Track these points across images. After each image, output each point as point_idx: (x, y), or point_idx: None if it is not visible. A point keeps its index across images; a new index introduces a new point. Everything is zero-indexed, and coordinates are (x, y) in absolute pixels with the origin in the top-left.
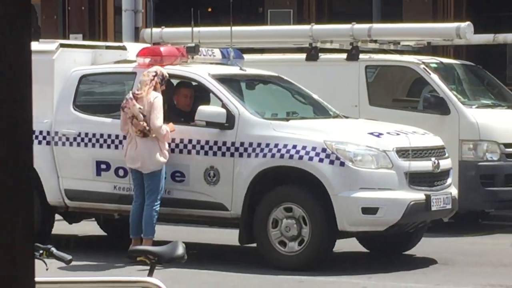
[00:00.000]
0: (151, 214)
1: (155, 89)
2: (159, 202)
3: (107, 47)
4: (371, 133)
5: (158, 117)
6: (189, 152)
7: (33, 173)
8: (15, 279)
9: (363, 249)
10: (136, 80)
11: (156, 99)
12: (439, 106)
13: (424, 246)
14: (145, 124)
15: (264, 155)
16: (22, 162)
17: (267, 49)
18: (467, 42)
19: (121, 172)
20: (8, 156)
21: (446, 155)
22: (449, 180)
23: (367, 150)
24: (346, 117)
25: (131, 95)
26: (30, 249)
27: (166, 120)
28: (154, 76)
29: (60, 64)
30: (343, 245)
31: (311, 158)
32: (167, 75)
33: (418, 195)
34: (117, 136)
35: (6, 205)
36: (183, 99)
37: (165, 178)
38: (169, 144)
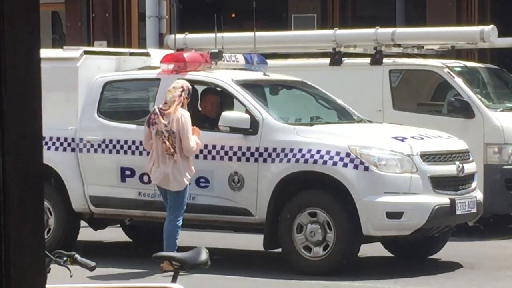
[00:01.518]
0: (173, 229)
1: (182, 105)
2: (181, 217)
3: (131, 54)
4: (395, 138)
5: (190, 137)
6: (213, 157)
7: (58, 180)
8: None
9: (388, 254)
10: (161, 87)
11: (185, 117)
12: (464, 109)
13: (449, 250)
14: (170, 144)
15: (289, 160)
16: (32, 173)
17: (290, 54)
18: (491, 45)
19: (145, 178)
20: (17, 164)
21: (471, 159)
22: (474, 184)
23: (391, 154)
24: (370, 122)
25: (157, 110)
26: (42, 262)
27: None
28: (182, 91)
29: (84, 71)
30: (368, 250)
31: (335, 163)
32: (191, 88)
33: (443, 199)
34: (141, 143)
35: (16, 217)
36: (209, 106)
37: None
38: None
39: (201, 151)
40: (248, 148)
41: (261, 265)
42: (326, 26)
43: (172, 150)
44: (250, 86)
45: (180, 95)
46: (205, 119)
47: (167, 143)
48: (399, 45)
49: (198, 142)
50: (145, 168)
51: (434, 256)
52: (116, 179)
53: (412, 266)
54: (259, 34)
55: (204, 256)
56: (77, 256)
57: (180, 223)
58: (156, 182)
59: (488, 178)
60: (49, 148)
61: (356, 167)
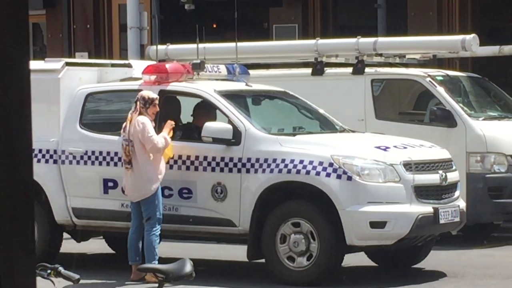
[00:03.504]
0: (151, 240)
1: (140, 114)
2: (158, 226)
3: (113, 65)
4: (378, 147)
5: (150, 137)
6: (196, 168)
7: (41, 192)
8: None
9: (372, 263)
10: None
11: (141, 121)
12: (446, 118)
13: (433, 259)
14: (126, 155)
15: (271, 171)
16: (21, 184)
17: (272, 64)
18: (473, 54)
19: None
20: (6, 177)
21: (454, 167)
22: (457, 193)
23: (374, 164)
24: (353, 131)
25: (124, 124)
26: (32, 272)
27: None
28: (136, 101)
29: (66, 83)
30: (351, 260)
31: (318, 173)
32: (151, 96)
33: (426, 208)
34: None
35: (6, 228)
36: (205, 119)
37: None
38: (175, 161)
39: (183, 162)
40: (231, 159)
41: (245, 275)
42: (308, 36)
43: (127, 160)
44: (232, 96)
45: (135, 106)
46: (199, 132)
47: (124, 154)
48: (380, 55)
49: (167, 138)
50: None
51: (418, 265)
52: (99, 191)
53: (396, 276)
54: (241, 44)
55: (188, 267)
56: (61, 269)
57: (158, 232)
58: (125, 192)
59: (471, 186)
60: None
61: (339, 176)
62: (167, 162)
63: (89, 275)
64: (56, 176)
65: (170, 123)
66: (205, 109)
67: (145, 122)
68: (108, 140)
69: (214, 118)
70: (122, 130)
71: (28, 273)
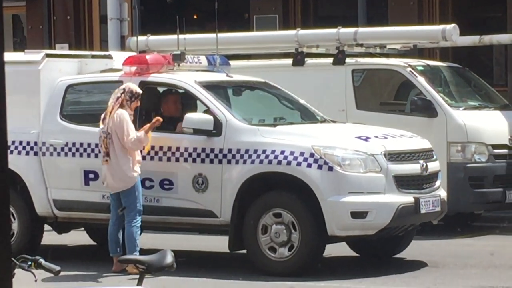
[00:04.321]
0: (131, 231)
1: (122, 106)
2: (138, 217)
3: (93, 56)
4: (359, 137)
5: (127, 134)
6: (177, 160)
7: (21, 184)
8: None
9: (353, 254)
10: None
11: (121, 116)
12: (427, 108)
13: (414, 249)
14: (104, 147)
15: (252, 161)
16: None
17: (253, 55)
18: (453, 44)
19: None
20: None
21: (435, 157)
22: (437, 183)
23: (355, 154)
24: (334, 122)
25: (103, 115)
26: (8, 267)
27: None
28: (122, 93)
29: (46, 74)
30: (333, 250)
31: (299, 164)
32: (138, 91)
33: (407, 198)
34: None
35: None
36: (172, 105)
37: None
38: (156, 152)
39: (164, 153)
40: (212, 150)
41: (226, 266)
42: (288, 26)
43: (106, 152)
44: (213, 87)
45: (119, 97)
46: (170, 121)
47: (102, 146)
48: (361, 45)
49: (140, 136)
50: None
51: (399, 255)
52: (80, 183)
53: (377, 266)
54: (221, 35)
55: (169, 258)
56: (42, 261)
57: (138, 224)
58: (105, 185)
59: (451, 176)
60: (11, 152)
61: (320, 167)
62: (147, 154)
63: (70, 266)
64: (37, 168)
65: (157, 121)
66: (173, 97)
67: (124, 117)
68: (89, 132)
69: (180, 105)
70: (101, 121)
71: (4, 264)
